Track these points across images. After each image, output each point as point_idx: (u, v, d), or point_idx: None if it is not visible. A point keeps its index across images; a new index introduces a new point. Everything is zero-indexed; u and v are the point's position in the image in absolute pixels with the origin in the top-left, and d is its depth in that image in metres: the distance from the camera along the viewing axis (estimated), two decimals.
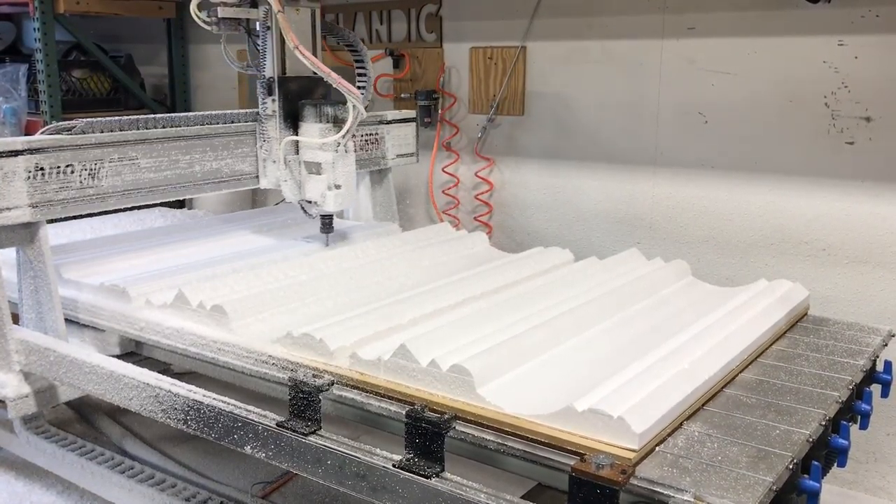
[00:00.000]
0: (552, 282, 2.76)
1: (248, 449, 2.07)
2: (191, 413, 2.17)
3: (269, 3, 2.92)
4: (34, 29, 4.50)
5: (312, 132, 3.03)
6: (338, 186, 3.05)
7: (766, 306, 2.54)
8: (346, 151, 3.02)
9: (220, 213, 4.31)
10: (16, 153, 2.49)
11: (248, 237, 3.45)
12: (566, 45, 3.81)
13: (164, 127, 2.91)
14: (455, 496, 1.72)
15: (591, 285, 2.74)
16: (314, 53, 3.11)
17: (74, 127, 2.70)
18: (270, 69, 3.10)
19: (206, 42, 5.26)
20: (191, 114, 3.06)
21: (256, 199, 5.12)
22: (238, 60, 3.29)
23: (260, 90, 3.15)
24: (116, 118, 2.82)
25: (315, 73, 2.89)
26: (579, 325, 2.38)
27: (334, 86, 2.86)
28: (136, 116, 2.88)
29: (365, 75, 3.36)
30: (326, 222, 3.24)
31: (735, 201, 3.46)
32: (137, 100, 5.18)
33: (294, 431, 1.98)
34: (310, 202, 3.11)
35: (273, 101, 3.11)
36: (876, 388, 2.39)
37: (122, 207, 2.91)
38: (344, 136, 2.95)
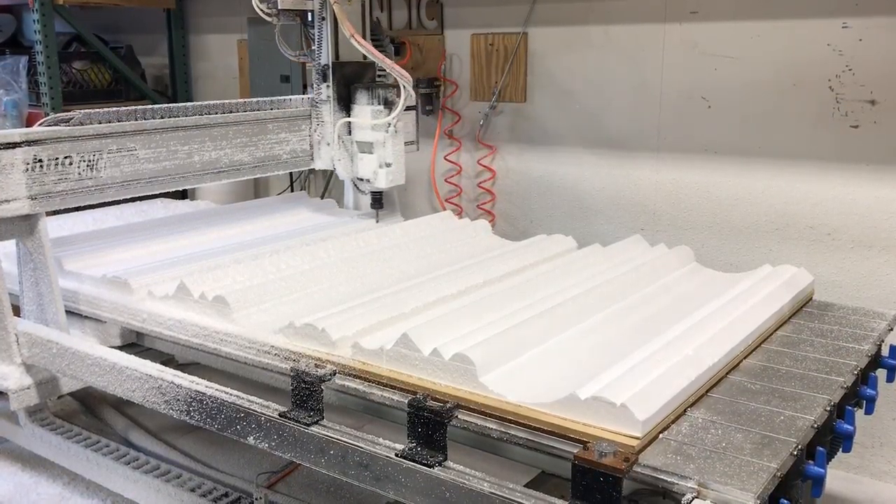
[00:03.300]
0: (555, 269, 2.74)
1: (250, 439, 2.07)
2: (193, 404, 2.17)
3: None
4: (34, 21, 4.49)
5: (365, 114, 3.28)
6: (388, 164, 3.28)
7: (770, 292, 2.52)
8: (395, 132, 3.25)
9: (222, 203, 4.30)
10: (13, 145, 2.48)
11: (255, 227, 3.43)
12: (568, 31, 3.78)
13: (162, 117, 2.90)
14: (458, 485, 1.72)
15: (594, 273, 2.72)
16: (365, 41, 3.28)
17: (72, 118, 2.69)
18: (325, 57, 3.33)
19: (206, 32, 5.24)
20: (189, 104, 3.05)
21: (259, 189, 5.12)
22: (291, 47, 3.48)
23: (315, 76, 3.39)
24: (114, 109, 2.81)
25: (366, 59, 3.21)
26: (582, 312, 2.36)
27: (388, 70, 3.11)
28: (134, 107, 2.87)
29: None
30: (377, 198, 3.44)
31: (739, 186, 3.44)
32: (138, 91, 5.17)
33: (296, 422, 1.97)
34: (362, 179, 3.36)
35: (328, 86, 3.34)
36: (881, 373, 2.37)
37: (122, 198, 2.91)
38: (395, 117, 3.18)
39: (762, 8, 3.26)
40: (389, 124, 3.22)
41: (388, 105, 3.25)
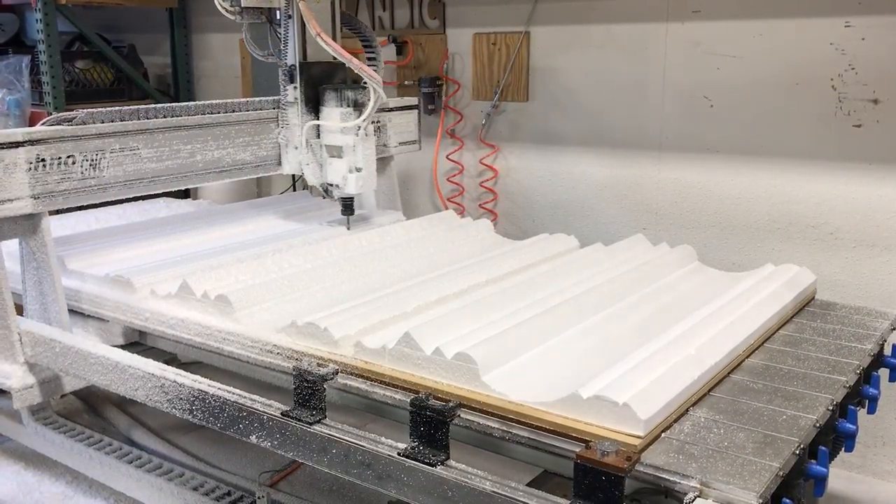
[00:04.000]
0: (557, 269, 2.74)
1: (253, 438, 2.07)
2: (196, 403, 2.17)
3: None
4: (36, 20, 4.49)
5: (334, 116, 3.12)
6: (359, 169, 3.14)
7: (772, 291, 2.52)
8: (366, 135, 3.12)
9: (224, 202, 4.30)
10: (16, 145, 2.49)
11: (256, 226, 3.44)
12: (570, 30, 3.78)
13: (164, 117, 2.90)
14: (460, 484, 1.72)
15: (596, 272, 2.72)
16: (334, 40, 3.16)
17: (75, 118, 2.69)
18: (292, 56, 3.17)
19: (208, 31, 5.24)
20: (192, 103, 3.05)
21: (261, 188, 5.12)
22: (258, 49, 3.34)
23: (282, 77, 3.21)
24: (117, 109, 2.81)
25: (335, 60, 3.02)
26: (584, 311, 2.36)
27: (356, 71, 2.96)
28: (136, 107, 2.87)
29: (376, 68, 3.37)
30: (347, 204, 3.30)
31: (741, 185, 3.44)
32: (141, 90, 5.17)
33: (299, 420, 1.97)
34: (331, 185, 3.21)
35: (295, 87, 3.18)
36: (884, 373, 2.38)
37: (125, 198, 2.91)
38: (365, 120, 3.05)
39: (764, 7, 3.25)
40: (359, 127, 3.07)
41: (359, 107, 3.08)
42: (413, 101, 3.83)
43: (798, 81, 3.22)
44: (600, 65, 3.72)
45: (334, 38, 3.21)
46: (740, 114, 3.39)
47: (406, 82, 4.28)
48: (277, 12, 3.17)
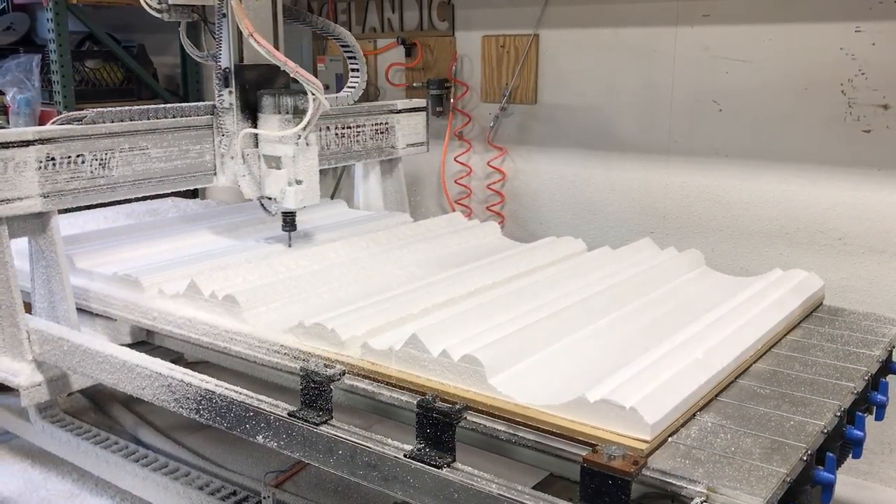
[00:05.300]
0: (564, 272, 2.74)
1: (259, 438, 2.07)
2: (203, 402, 2.17)
3: None
4: (47, 19, 4.51)
5: (271, 124, 2.85)
6: (299, 182, 2.87)
7: (780, 296, 2.51)
8: (307, 144, 2.85)
9: (233, 203, 4.31)
10: (27, 143, 2.50)
11: (265, 226, 3.44)
12: (579, 33, 3.78)
13: (173, 117, 2.91)
14: (466, 486, 1.71)
15: (603, 275, 2.72)
16: (276, 41, 2.95)
17: (85, 117, 2.70)
18: (227, 59, 2.90)
19: None
20: (201, 103, 3.06)
21: None
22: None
23: (216, 81, 2.95)
24: (127, 108, 2.81)
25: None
26: (591, 315, 2.36)
27: (292, 74, 2.69)
28: (146, 106, 2.88)
29: (357, 68, 3.22)
30: (289, 220, 3.06)
31: (749, 190, 3.43)
32: (150, 90, 5.19)
33: (305, 421, 1.98)
34: (269, 199, 2.93)
35: (230, 92, 2.92)
36: (892, 379, 2.36)
37: (134, 197, 2.91)
38: (305, 129, 2.77)
39: (774, 11, 3.25)
40: (299, 136, 2.79)
41: (299, 114, 2.79)
42: (421, 102, 3.83)
43: (807, 86, 3.22)
44: (609, 68, 3.72)
45: (276, 38, 2.97)
46: (749, 118, 3.38)
47: (415, 84, 4.29)
48: (212, 10, 2.91)
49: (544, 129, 3.97)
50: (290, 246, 3.11)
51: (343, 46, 3.23)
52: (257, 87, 2.93)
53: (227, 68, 2.92)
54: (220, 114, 2.97)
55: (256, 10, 2.87)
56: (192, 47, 3.13)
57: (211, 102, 3.03)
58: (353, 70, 3.25)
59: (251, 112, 2.94)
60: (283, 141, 2.83)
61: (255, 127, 2.92)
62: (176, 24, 3.07)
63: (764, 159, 3.37)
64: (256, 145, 2.93)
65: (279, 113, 2.83)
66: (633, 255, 2.95)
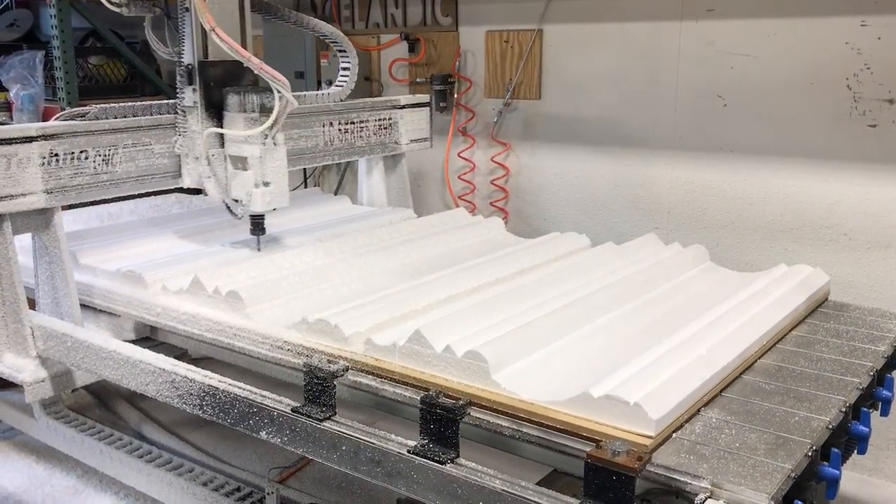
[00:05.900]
0: (568, 267, 2.74)
1: (263, 434, 2.07)
2: (206, 398, 2.17)
3: None
4: (51, 16, 4.52)
5: (237, 123, 2.72)
6: (266, 184, 2.74)
7: (785, 292, 2.51)
8: (274, 144, 2.72)
9: None
10: (30, 139, 2.50)
11: (268, 222, 3.41)
12: (583, 28, 3.77)
13: (177, 112, 2.90)
14: (470, 482, 1.71)
15: (607, 271, 2.71)
16: (243, 36, 2.85)
17: (88, 113, 2.70)
18: (190, 55, 2.78)
19: None
20: None
21: None
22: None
23: (179, 78, 2.84)
24: (130, 104, 2.81)
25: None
26: (595, 310, 2.36)
27: (256, 72, 2.57)
28: (149, 102, 2.87)
29: (347, 65, 3.16)
30: (257, 223, 2.94)
31: (754, 185, 3.42)
32: (153, 86, 5.19)
33: (309, 417, 1.97)
34: (236, 201, 2.80)
35: (193, 90, 2.78)
36: None
37: (137, 193, 2.91)
38: (271, 128, 2.65)
39: (779, 6, 3.23)
40: (266, 136, 2.67)
41: (266, 112, 2.66)
42: (425, 98, 3.82)
43: (813, 81, 3.20)
44: (613, 63, 3.71)
45: (243, 33, 2.85)
46: (754, 113, 3.37)
47: (418, 80, 4.29)
48: (175, 4, 2.79)
49: (548, 125, 3.96)
50: (259, 250, 2.98)
51: (324, 39, 3.14)
52: (223, 85, 2.80)
53: (189, 65, 2.80)
54: (183, 112, 2.84)
55: (221, 3, 2.76)
56: (158, 43, 3.04)
57: (171, 101, 2.94)
58: (343, 67, 3.21)
59: (216, 111, 2.80)
60: (249, 141, 2.70)
61: (220, 126, 2.79)
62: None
63: (769, 154, 3.36)
64: (223, 145, 2.80)
65: (245, 111, 2.71)
66: (638, 250, 2.95)
